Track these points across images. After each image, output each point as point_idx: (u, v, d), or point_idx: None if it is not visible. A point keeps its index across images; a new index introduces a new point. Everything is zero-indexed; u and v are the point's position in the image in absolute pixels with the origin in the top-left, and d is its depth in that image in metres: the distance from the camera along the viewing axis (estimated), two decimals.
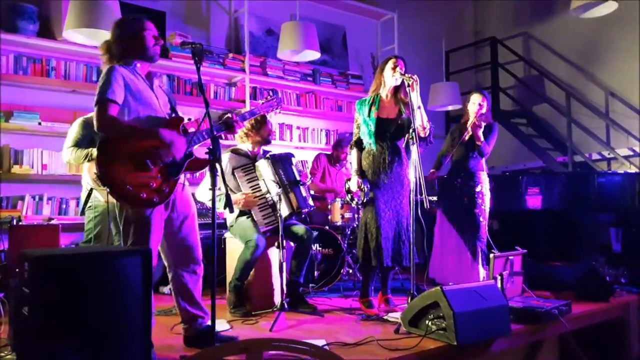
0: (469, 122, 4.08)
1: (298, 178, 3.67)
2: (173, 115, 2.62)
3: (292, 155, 3.84)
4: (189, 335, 2.71)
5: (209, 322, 2.63)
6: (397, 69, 3.44)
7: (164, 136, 2.42)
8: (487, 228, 4.07)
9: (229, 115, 2.88)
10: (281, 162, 3.66)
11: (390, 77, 3.49)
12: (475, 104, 4.11)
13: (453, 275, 3.94)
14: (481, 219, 4.04)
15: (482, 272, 3.96)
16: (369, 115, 3.52)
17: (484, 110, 4.09)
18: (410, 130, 3.21)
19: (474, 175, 4.12)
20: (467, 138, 4.11)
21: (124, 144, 2.37)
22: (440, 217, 4.25)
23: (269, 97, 3.22)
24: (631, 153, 5.97)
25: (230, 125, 2.76)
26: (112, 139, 2.37)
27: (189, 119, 2.70)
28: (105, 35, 3.87)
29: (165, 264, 2.69)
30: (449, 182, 4.20)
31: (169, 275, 2.69)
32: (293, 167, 3.75)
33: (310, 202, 3.77)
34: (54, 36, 4.36)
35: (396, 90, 3.55)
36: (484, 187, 4.12)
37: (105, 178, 2.33)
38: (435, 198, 4.41)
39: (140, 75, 2.54)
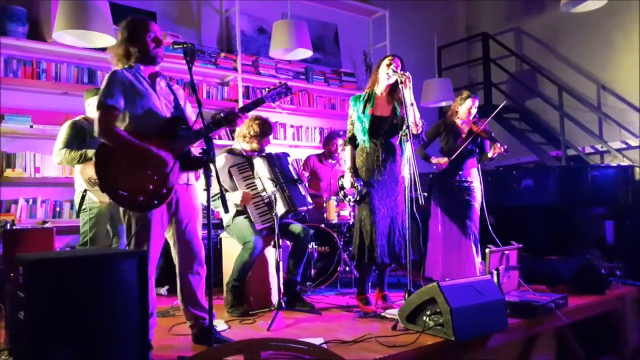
0: (474, 129, 4.14)
1: (296, 177, 3.70)
2: (175, 115, 2.62)
3: (288, 154, 3.87)
4: (195, 334, 2.76)
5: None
6: (392, 66, 3.44)
7: (156, 151, 2.46)
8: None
9: (217, 113, 2.85)
10: (277, 161, 3.69)
11: (384, 75, 3.49)
12: (473, 108, 4.17)
13: (458, 272, 3.94)
14: (479, 214, 4.10)
15: (478, 260, 4.03)
16: (363, 112, 3.52)
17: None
18: (404, 127, 3.22)
19: (471, 172, 4.18)
20: (465, 137, 4.16)
21: (120, 150, 2.44)
22: (440, 216, 4.20)
23: (277, 86, 2.95)
24: (624, 146, 6.00)
25: (232, 119, 2.68)
26: (109, 145, 2.45)
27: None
28: (95, 36, 3.87)
29: (175, 264, 2.73)
30: (446, 180, 4.18)
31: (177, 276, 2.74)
32: (290, 166, 3.77)
33: (309, 199, 3.78)
34: (44, 38, 4.33)
35: (392, 88, 3.55)
36: (479, 181, 4.19)
37: (103, 182, 2.43)
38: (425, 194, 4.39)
39: (144, 77, 2.57)
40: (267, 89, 2.97)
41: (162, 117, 2.56)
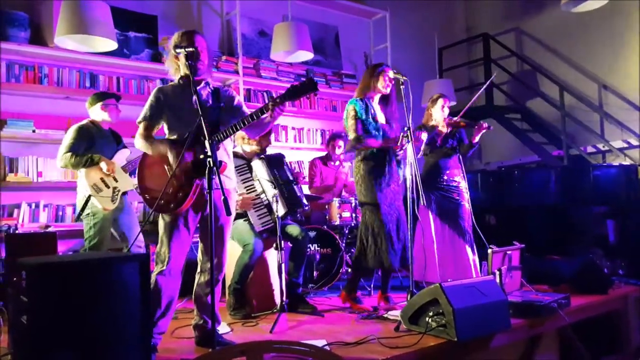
0: (453, 123, 4.17)
1: (291, 177, 3.72)
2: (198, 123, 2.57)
3: (283, 155, 3.88)
4: (198, 336, 2.79)
5: (217, 327, 2.77)
6: (389, 72, 3.51)
7: (172, 157, 2.59)
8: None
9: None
10: (275, 162, 3.70)
11: (384, 85, 3.53)
12: (445, 107, 4.21)
13: (453, 272, 3.93)
14: (470, 212, 4.12)
15: (473, 258, 4.04)
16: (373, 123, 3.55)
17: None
18: (405, 129, 3.25)
19: (458, 171, 4.20)
20: (444, 136, 4.19)
21: (148, 157, 2.72)
22: (428, 218, 4.13)
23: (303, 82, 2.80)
24: (626, 145, 5.99)
25: (236, 127, 2.62)
26: (145, 153, 2.74)
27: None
28: (97, 40, 3.88)
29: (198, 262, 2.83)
30: (434, 181, 4.17)
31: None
32: (286, 167, 3.78)
33: (305, 200, 3.79)
34: (45, 43, 4.34)
35: (382, 95, 3.62)
36: (465, 181, 4.22)
37: (138, 187, 2.76)
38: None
39: (183, 89, 2.69)
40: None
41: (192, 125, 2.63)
